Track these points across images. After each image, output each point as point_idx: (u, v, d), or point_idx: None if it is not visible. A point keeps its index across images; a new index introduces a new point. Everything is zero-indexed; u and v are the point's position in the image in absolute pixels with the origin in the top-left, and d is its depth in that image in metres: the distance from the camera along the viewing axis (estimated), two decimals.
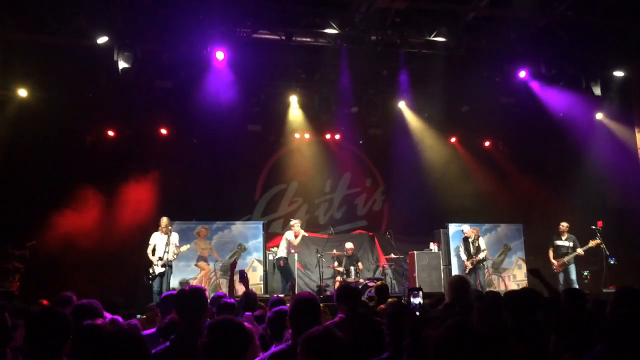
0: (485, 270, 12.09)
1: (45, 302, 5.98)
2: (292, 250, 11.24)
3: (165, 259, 9.81)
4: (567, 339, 2.97)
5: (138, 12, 9.00)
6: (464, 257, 11.83)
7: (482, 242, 11.72)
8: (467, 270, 11.56)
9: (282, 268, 10.97)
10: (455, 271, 12.05)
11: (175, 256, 10.03)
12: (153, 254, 9.90)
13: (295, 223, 11.18)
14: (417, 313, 2.72)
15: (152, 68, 10.13)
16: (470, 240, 11.69)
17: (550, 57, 10.61)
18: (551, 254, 11.40)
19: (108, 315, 4.13)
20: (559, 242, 11.33)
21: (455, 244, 12.59)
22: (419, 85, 11.56)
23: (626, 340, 2.16)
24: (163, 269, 9.80)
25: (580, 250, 11.01)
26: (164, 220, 10.06)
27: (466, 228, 11.97)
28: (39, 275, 9.87)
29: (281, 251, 11.10)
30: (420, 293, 2.87)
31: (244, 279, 5.36)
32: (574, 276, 11.11)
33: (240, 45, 9.58)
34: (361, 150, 14.25)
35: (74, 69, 10.14)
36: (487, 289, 11.08)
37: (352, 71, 10.80)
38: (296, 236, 11.06)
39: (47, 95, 10.68)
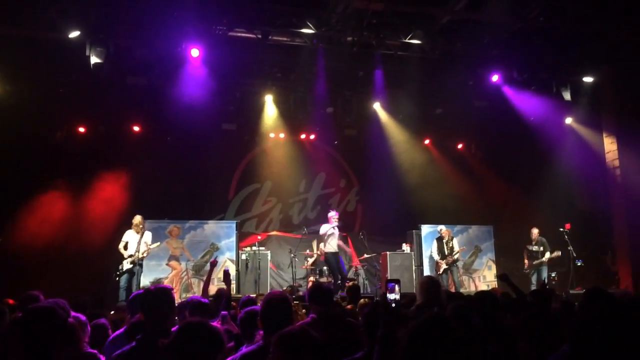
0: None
1: (11, 301, 5.83)
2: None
3: (135, 256, 9.69)
4: (532, 339, 3.03)
5: (112, 7, 8.86)
6: (437, 257, 11.93)
7: (455, 243, 11.86)
8: (441, 270, 11.68)
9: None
10: (427, 272, 12.15)
11: (145, 254, 9.90)
12: (125, 249, 9.79)
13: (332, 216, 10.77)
14: (393, 305, 2.71)
15: (125, 64, 9.95)
16: (444, 240, 11.81)
17: (522, 61, 10.82)
18: (525, 256, 11.72)
19: (74, 315, 4.04)
20: (530, 247, 11.61)
21: (428, 245, 12.70)
22: (394, 86, 11.63)
23: (592, 341, 2.20)
24: (131, 266, 9.67)
25: (545, 258, 11.28)
26: (137, 219, 9.94)
27: (442, 228, 12.07)
28: (6, 273, 9.62)
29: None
30: (397, 287, 2.86)
31: (227, 278, 5.40)
32: (544, 277, 11.34)
33: (215, 43, 9.50)
34: (336, 150, 14.28)
35: (45, 63, 9.93)
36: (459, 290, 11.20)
37: (328, 71, 10.84)
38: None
39: (17, 89, 10.45)
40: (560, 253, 11.02)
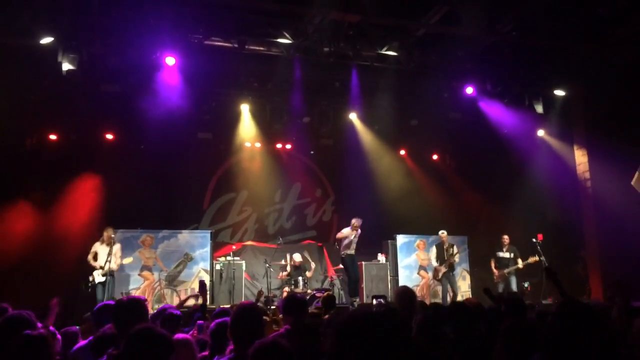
0: (431, 281, 12.26)
1: None
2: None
3: (106, 268, 9.56)
4: (510, 349, 3.04)
5: (85, 14, 8.72)
6: (435, 263, 11.81)
7: (455, 248, 11.66)
8: (440, 275, 11.50)
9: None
10: (402, 282, 12.18)
11: (117, 266, 9.84)
12: (95, 260, 9.65)
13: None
14: None
15: (99, 71, 9.77)
16: (445, 246, 11.65)
17: (495, 75, 11.02)
18: (493, 264, 11.77)
19: (41, 327, 3.93)
20: (500, 254, 11.69)
21: (403, 255, 12.76)
22: (370, 97, 11.71)
23: (564, 351, 2.22)
24: (104, 278, 9.55)
25: (520, 264, 11.39)
26: (108, 231, 9.85)
27: (443, 232, 11.80)
28: None
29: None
30: (381, 301, 2.88)
31: (203, 288, 5.38)
32: (514, 286, 11.44)
33: (191, 52, 9.44)
34: (312, 160, 14.28)
35: (15, 69, 9.68)
36: (432, 300, 11.24)
37: (305, 81, 10.86)
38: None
39: None
40: (538, 258, 10.97)
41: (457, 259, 11.65)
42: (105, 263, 9.60)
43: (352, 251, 11.03)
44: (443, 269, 11.50)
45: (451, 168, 14.74)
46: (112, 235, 9.91)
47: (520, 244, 11.73)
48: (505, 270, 11.48)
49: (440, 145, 14.28)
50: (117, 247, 9.94)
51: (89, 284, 9.51)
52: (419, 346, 3.07)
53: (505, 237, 11.72)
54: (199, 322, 4.77)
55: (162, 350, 2.58)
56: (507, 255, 11.60)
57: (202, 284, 5.54)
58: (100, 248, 9.79)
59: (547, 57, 10.90)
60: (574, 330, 2.14)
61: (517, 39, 9.96)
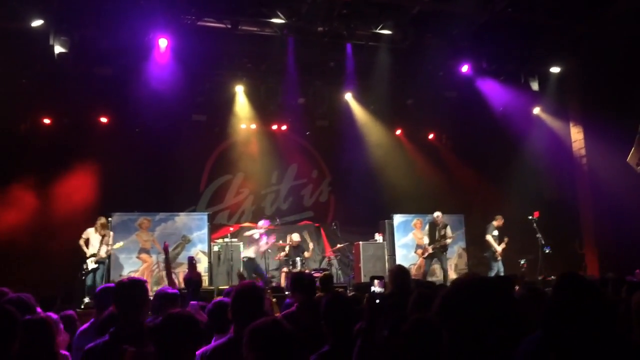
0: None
1: None
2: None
3: (98, 255, 9.71)
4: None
5: None
6: (426, 241, 11.93)
7: (448, 230, 11.70)
8: (426, 254, 11.68)
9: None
10: (399, 261, 12.24)
11: (107, 254, 9.96)
12: (87, 247, 9.76)
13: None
14: (377, 301, 2.75)
15: (91, 54, 9.67)
16: (438, 227, 11.69)
17: (491, 52, 10.96)
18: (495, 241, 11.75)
19: (40, 312, 3.95)
20: (495, 233, 11.77)
21: (400, 234, 12.81)
22: (365, 77, 11.63)
23: (566, 324, 2.22)
24: (96, 265, 9.70)
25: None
26: (101, 220, 9.92)
27: (438, 214, 11.81)
28: None
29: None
30: (377, 282, 2.90)
31: (191, 264, 5.35)
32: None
33: (184, 33, 9.36)
34: (308, 141, 14.24)
35: (7, 53, 9.59)
36: (429, 278, 11.32)
37: (299, 62, 10.78)
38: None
39: None
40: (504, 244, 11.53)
41: (448, 241, 11.68)
42: (98, 250, 9.72)
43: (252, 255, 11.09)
44: (429, 250, 11.64)
45: (447, 147, 14.72)
46: (105, 227, 9.97)
47: (516, 222, 11.79)
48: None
49: (436, 124, 14.23)
50: (110, 235, 10.04)
51: (83, 271, 9.63)
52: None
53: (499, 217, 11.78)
54: (192, 302, 4.75)
55: (193, 337, 2.64)
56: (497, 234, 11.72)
57: (190, 259, 5.47)
58: (93, 235, 9.84)
59: (542, 34, 10.83)
60: (575, 302, 2.16)
61: (513, 16, 9.89)
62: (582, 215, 12.20)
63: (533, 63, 11.28)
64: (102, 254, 9.78)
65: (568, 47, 11.02)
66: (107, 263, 10.11)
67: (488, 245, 11.73)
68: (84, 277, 9.59)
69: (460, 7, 9.41)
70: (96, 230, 9.86)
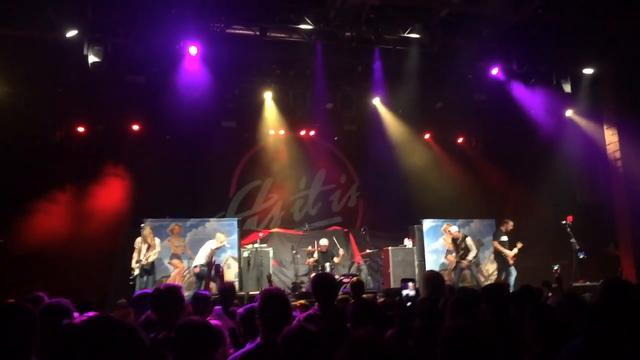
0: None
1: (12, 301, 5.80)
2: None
3: (144, 262, 10.32)
4: (540, 331, 3.01)
5: (109, 5, 8.83)
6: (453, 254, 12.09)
7: (469, 242, 11.69)
8: (453, 265, 11.86)
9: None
10: (429, 266, 12.14)
11: (145, 260, 10.40)
12: (138, 254, 10.46)
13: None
14: (409, 304, 2.74)
15: (123, 62, 9.91)
16: (457, 241, 11.73)
17: (521, 54, 10.77)
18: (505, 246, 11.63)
19: (77, 315, 4.02)
20: (504, 238, 11.64)
21: (429, 239, 12.70)
22: (394, 81, 11.56)
23: (607, 331, 2.17)
24: (139, 272, 10.30)
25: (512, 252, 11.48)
26: (146, 229, 10.63)
27: (454, 229, 11.91)
28: (8, 275, 9.61)
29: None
30: (410, 284, 2.88)
31: (218, 273, 5.38)
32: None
33: (213, 40, 9.46)
34: (336, 146, 14.25)
35: (42, 63, 9.88)
36: (461, 284, 11.18)
37: (327, 67, 10.78)
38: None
39: (15, 90, 10.42)
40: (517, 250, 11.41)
41: (470, 258, 11.62)
42: (143, 257, 10.34)
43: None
44: (454, 262, 11.81)
45: (477, 151, 14.55)
46: (150, 235, 10.67)
47: (549, 226, 11.58)
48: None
49: (465, 127, 14.10)
50: (157, 242, 10.73)
51: (131, 277, 10.27)
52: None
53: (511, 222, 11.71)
54: (216, 307, 4.78)
55: (211, 343, 2.65)
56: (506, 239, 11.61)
57: (217, 268, 5.49)
58: (141, 245, 10.51)
59: (574, 34, 10.61)
60: (619, 309, 2.10)
61: (544, 16, 9.71)
62: (618, 219, 11.87)
63: (565, 64, 11.05)
64: (144, 261, 10.29)
65: (602, 47, 10.77)
66: (151, 270, 10.56)
67: (497, 252, 11.58)
68: (131, 283, 10.17)
69: (490, 8, 9.28)
70: (143, 240, 10.42)
